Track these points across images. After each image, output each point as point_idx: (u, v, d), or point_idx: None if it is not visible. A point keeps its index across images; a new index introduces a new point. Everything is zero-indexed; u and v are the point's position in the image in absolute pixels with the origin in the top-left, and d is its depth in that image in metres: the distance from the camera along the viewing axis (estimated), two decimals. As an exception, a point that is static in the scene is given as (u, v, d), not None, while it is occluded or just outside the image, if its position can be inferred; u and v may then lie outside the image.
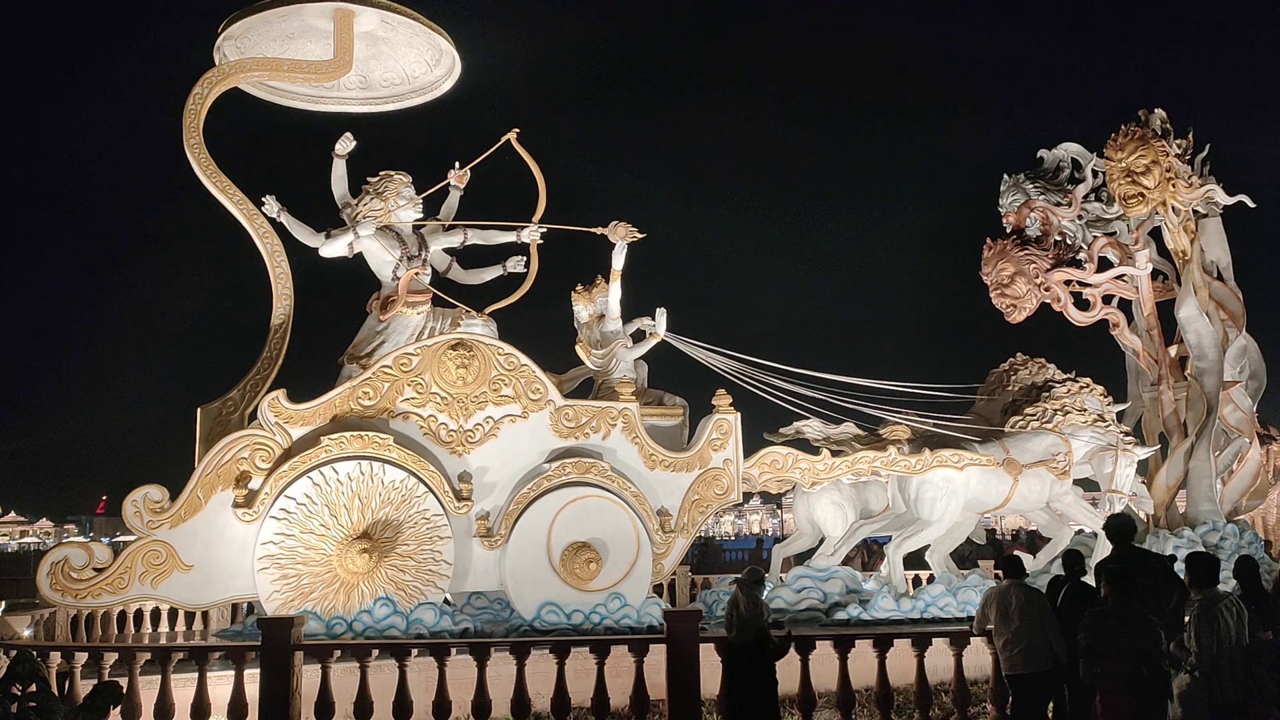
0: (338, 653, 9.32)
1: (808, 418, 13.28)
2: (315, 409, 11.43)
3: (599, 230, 13.24)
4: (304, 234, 12.59)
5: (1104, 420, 13.89)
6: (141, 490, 10.77)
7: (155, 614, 13.93)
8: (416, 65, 13.93)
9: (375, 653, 9.21)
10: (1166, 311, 15.14)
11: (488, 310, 13.08)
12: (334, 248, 12.59)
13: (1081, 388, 14.03)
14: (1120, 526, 9.14)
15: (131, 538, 10.86)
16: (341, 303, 13.83)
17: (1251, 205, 14.78)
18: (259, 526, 10.81)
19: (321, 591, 10.91)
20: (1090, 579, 10.76)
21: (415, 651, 9.29)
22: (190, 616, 14.08)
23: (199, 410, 12.12)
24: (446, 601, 11.64)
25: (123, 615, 13.59)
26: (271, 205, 12.39)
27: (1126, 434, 14.10)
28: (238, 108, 13.50)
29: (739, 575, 9.23)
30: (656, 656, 9.17)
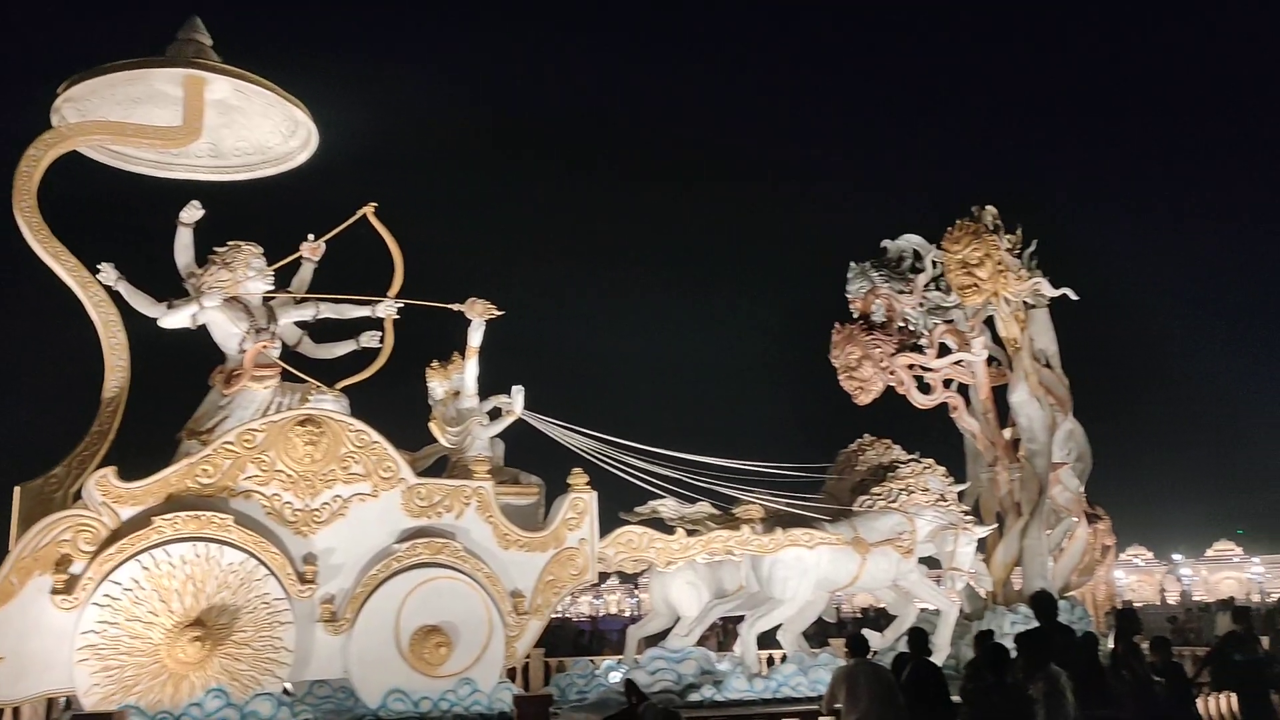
0: (162, 750, 8.71)
1: (664, 497, 13.35)
2: (148, 487, 10.82)
3: (456, 307, 13.17)
4: (143, 304, 12.07)
5: (945, 500, 14.41)
6: (-53, 576, 9.92)
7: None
8: (271, 136, 13.65)
9: (204, 749, 8.66)
10: (1000, 396, 15.97)
11: (339, 385, 12.73)
12: (175, 319, 12.09)
13: (925, 468, 14.55)
14: (1041, 602, 10.03)
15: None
16: (182, 376, 13.26)
17: (1074, 298, 15.85)
18: (79, 614, 10.07)
19: (147, 684, 10.19)
20: (936, 658, 11.12)
21: (248, 746, 8.78)
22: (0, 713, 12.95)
23: (18, 489, 11.27)
24: (286, 691, 11.07)
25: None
26: (108, 273, 11.85)
27: (966, 513, 14.67)
28: (76, 172, 12.94)
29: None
30: (506, 744, 8.93)
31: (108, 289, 11.89)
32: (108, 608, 10.19)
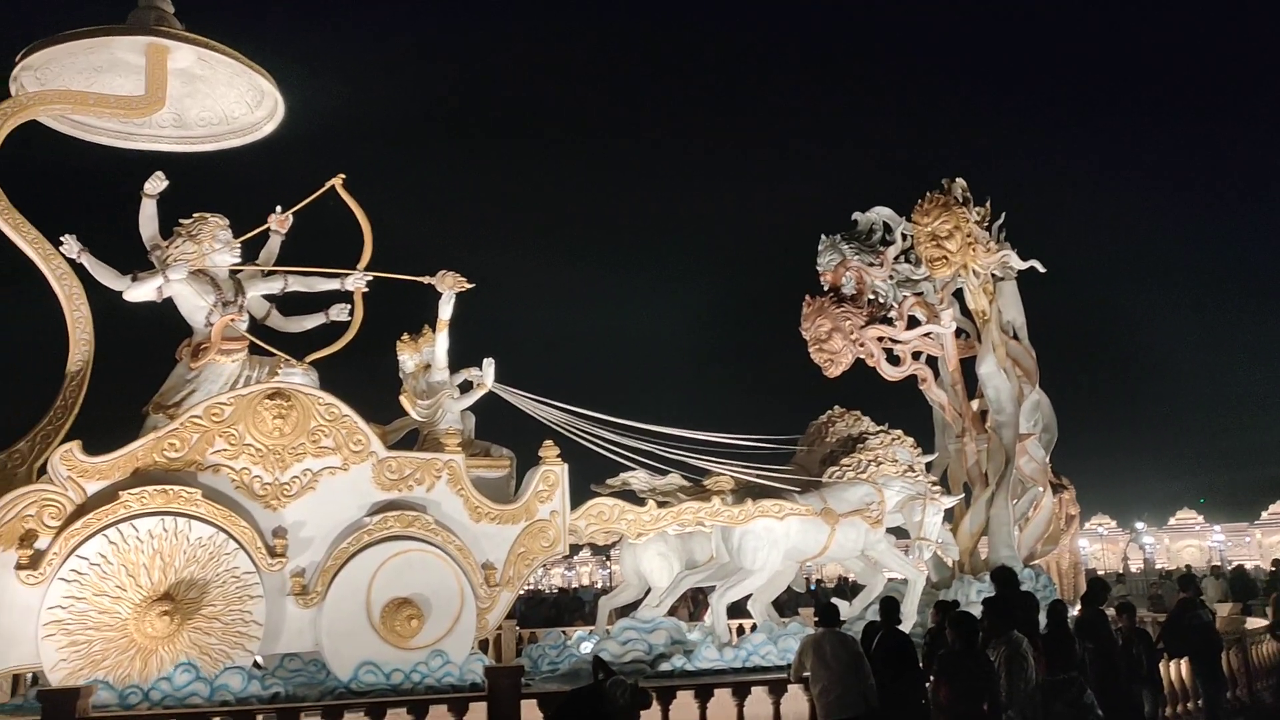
0: (131, 724, 8.68)
1: (634, 469, 13.38)
2: (114, 462, 10.72)
3: (426, 279, 13.07)
4: (107, 276, 11.91)
5: (914, 470, 14.54)
6: (-90, 552, 9.80)
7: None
8: (236, 105, 13.45)
9: (173, 722, 8.64)
10: (969, 368, 16.10)
11: (308, 359, 12.65)
12: (140, 291, 11.94)
13: (893, 439, 14.65)
14: (1003, 575, 10.39)
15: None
16: (147, 350, 13.10)
17: (1042, 270, 15.97)
18: (45, 589, 10.00)
19: (115, 658, 10.15)
20: (903, 626, 11.30)
21: (217, 719, 8.77)
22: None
23: (-20, 464, 11.16)
24: (256, 665, 11.04)
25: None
26: (71, 245, 11.67)
27: (934, 484, 14.81)
28: (37, 142, 12.70)
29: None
30: (478, 714, 8.97)
31: (70, 261, 11.72)
32: (74, 583, 10.12)
